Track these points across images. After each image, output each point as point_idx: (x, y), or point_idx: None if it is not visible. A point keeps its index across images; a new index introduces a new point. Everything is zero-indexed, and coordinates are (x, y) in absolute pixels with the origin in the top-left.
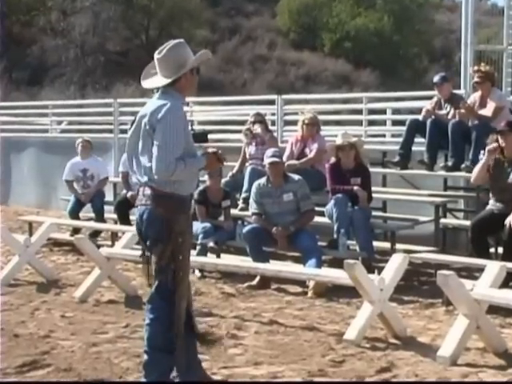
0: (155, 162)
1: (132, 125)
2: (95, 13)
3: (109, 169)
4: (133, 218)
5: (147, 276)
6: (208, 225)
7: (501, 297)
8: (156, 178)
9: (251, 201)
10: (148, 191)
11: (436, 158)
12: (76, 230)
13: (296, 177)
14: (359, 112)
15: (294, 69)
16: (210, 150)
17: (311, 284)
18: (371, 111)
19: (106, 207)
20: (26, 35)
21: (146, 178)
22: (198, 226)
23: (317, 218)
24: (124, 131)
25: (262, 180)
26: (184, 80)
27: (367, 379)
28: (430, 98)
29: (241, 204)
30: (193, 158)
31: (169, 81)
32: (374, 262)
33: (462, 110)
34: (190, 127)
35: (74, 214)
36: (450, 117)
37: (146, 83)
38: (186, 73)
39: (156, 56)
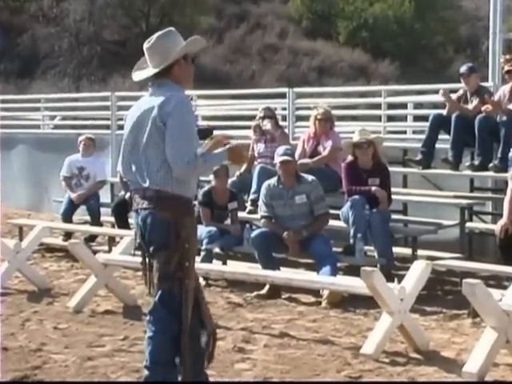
0: (176, 156)
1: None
2: None
3: (105, 167)
4: (132, 221)
5: (149, 285)
6: (213, 229)
7: None
8: (167, 176)
9: (260, 203)
10: (150, 193)
11: (461, 157)
12: (69, 234)
13: (309, 177)
14: (378, 106)
15: (306, 59)
16: (234, 144)
17: (325, 293)
18: (391, 105)
19: (102, 209)
20: (16, 23)
21: (148, 182)
22: (202, 230)
23: (331, 222)
24: (122, 127)
25: (272, 180)
26: (178, 68)
27: None
28: (455, 91)
29: (249, 206)
30: (212, 154)
31: (157, 70)
32: (393, 270)
33: (489, 106)
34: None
35: (67, 215)
36: (475, 111)
37: (136, 75)
38: (179, 60)
39: (145, 46)
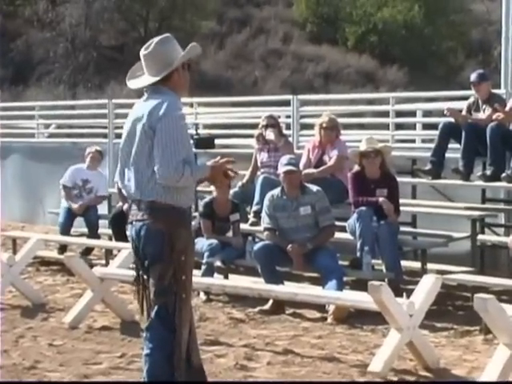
0: (161, 163)
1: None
2: (87, 2)
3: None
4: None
5: (141, 302)
6: (214, 241)
7: None
8: (158, 186)
9: (263, 214)
10: (145, 204)
11: (473, 166)
12: (64, 247)
13: (314, 187)
14: (385, 114)
15: (311, 65)
16: (219, 161)
17: (331, 309)
18: (399, 113)
19: (100, 221)
20: (10, 27)
21: (139, 193)
22: (203, 243)
23: (337, 234)
24: (120, 135)
25: (276, 191)
26: (176, 76)
27: None
28: (465, 98)
29: (251, 218)
30: (198, 165)
31: (157, 78)
32: (402, 284)
33: (500, 115)
34: (195, 132)
35: (66, 227)
36: (488, 121)
37: (132, 83)
38: (178, 68)
39: (142, 53)
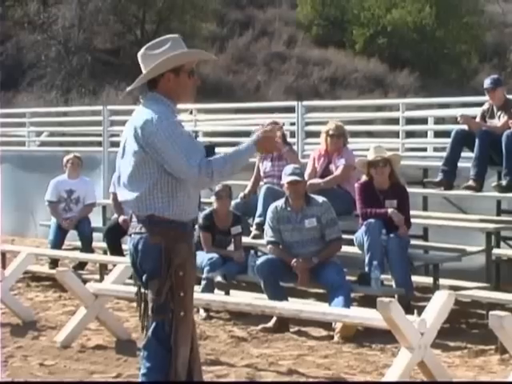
0: (186, 175)
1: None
2: (81, 3)
3: (97, 189)
4: (125, 247)
5: (143, 318)
6: (215, 255)
7: None
8: (156, 199)
9: (266, 227)
10: (143, 217)
11: (484, 176)
12: (56, 261)
13: (320, 199)
14: (395, 121)
15: (317, 70)
16: (261, 131)
17: (338, 326)
18: (409, 120)
19: (93, 234)
20: None
21: (137, 207)
22: (203, 257)
23: (344, 248)
24: (115, 144)
25: (280, 202)
26: (166, 81)
27: None
28: (480, 104)
29: (254, 231)
30: (235, 149)
31: (137, 82)
32: (413, 301)
33: None
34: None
35: (56, 243)
36: (504, 128)
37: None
38: (166, 74)
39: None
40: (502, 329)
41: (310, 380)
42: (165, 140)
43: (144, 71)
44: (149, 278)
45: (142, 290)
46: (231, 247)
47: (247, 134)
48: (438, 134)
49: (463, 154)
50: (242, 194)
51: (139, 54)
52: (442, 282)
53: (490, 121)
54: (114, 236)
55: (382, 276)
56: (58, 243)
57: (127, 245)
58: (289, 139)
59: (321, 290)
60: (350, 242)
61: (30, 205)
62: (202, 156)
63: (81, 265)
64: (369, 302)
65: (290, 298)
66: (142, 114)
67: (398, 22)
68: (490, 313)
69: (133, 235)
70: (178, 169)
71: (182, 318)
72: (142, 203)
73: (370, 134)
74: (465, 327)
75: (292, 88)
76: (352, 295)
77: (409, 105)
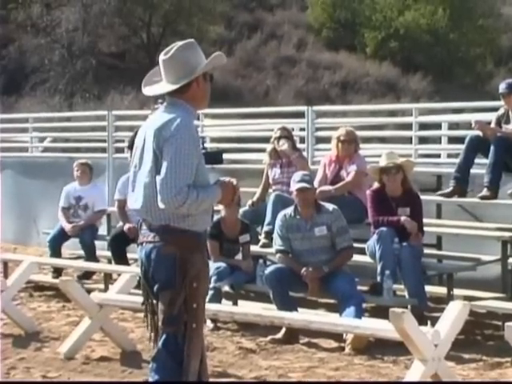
0: (162, 188)
1: (131, 147)
2: (85, 6)
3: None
4: (131, 256)
5: (152, 329)
6: (223, 265)
7: None
8: (163, 209)
9: (275, 235)
10: (156, 226)
11: (499, 183)
12: (59, 270)
13: (330, 206)
14: (408, 127)
15: (327, 74)
16: (226, 179)
17: (349, 338)
18: (423, 126)
19: (98, 243)
20: (1, 33)
21: (149, 216)
22: (210, 266)
23: (356, 257)
24: (120, 150)
25: (289, 210)
26: (195, 87)
27: None
28: (495, 109)
29: (262, 239)
30: (205, 188)
31: (176, 86)
32: (426, 311)
33: None
34: (201, 146)
35: (55, 244)
36: None
37: (148, 90)
38: (198, 78)
39: (162, 58)
40: None
41: None
42: (172, 152)
43: (174, 74)
44: (161, 288)
45: (150, 301)
46: (239, 256)
47: (256, 139)
48: (451, 140)
49: (477, 161)
50: (250, 202)
51: (170, 55)
52: (457, 292)
53: (505, 126)
54: (119, 244)
55: (395, 286)
56: (55, 245)
57: (138, 254)
58: (298, 145)
59: (331, 300)
60: (362, 251)
61: (32, 212)
62: (188, 182)
63: (85, 274)
64: (381, 312)
65: (299, 309)
66: (165, 116)
67: (410, 24)
68: (506, 324)
69: (144, 244)
70: (160, 183)
71: (194, 330)
72: (156, 212)
73: (382, 140)
74: (480, 339)
75: (302, 92)
76: (363, 305)
77: (422, 110)
